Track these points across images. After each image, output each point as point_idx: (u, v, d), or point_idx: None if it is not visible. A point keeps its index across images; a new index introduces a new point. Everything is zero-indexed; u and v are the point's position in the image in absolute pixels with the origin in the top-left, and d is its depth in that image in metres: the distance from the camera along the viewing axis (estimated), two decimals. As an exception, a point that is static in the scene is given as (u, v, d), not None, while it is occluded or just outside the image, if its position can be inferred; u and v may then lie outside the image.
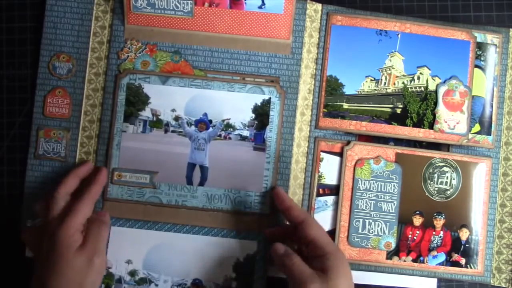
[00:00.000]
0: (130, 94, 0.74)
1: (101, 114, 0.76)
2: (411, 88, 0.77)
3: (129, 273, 0.73)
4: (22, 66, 0.78)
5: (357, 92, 0.77)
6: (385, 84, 0.77)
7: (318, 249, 0.66)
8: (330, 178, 0.76)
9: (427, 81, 0.77)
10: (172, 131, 0.74)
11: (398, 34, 0.77)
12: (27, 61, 0.78)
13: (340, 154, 0.76)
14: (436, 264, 0.75)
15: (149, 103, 0.74)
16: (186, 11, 0.75)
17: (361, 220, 0.75)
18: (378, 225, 0.75)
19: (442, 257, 0.76)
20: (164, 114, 0.74)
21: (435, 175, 0.76)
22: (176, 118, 0.74)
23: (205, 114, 0.74)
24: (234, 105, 0.74)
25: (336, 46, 0.77)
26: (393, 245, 0.75)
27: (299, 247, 0.70)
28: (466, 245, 0.76)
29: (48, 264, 0.65)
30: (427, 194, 0.76)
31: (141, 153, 0.74)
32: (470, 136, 0.77)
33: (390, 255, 0.75)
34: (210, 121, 0.74)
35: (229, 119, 0.74)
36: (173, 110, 0.74)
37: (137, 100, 0.74)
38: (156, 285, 0.73)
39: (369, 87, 0.77)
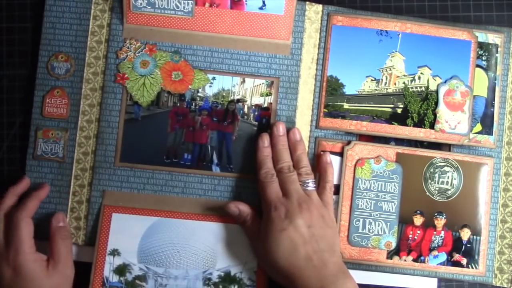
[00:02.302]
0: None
1: (99, 114, 0.78)
2: (412, 88, 0.80)
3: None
4: (22, 66, 0.81)
5: (357, 92, 0.80)
6: (385, 84, 0.80)
7: None
8: None
9: (428, 81, 0.80)
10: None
11: (399, 34, 0.80)
12: (27, 61, 0.80)
13: (341, 154, 0.79)
14: (437, 264, 0.78)
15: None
16: (186, 11, 0.77)
17: (361, 219, 0.78)
18: (379, 224, 0.78)
19: (443, 257, 0.78)
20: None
21: (436, 175, 0.78)
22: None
23: None
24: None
25: (337, 46, 0.80)
26: (394, 245, 0.77)
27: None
28: (468, 245, 0.78)
29: None
30: (428, 194, 0.78)
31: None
32: (471, 136, 0.79)
33: (390, 254, 0.78)
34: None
35: None
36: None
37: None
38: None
39: (369, 87, 0.80)
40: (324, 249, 0.70)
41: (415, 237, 0.78)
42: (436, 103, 0.80)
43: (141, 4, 0.77)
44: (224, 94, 0.79)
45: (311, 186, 0.75)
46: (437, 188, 0.79)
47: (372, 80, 0.80)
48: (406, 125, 0.79)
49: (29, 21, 0.81)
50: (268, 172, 0.75)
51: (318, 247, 0.70)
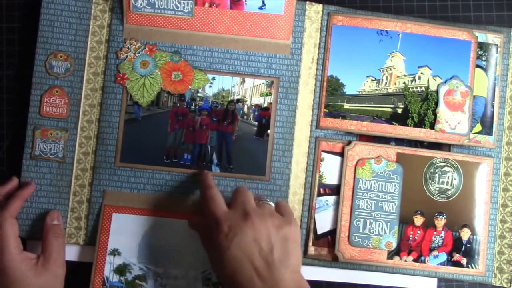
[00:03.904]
0: None
1: (99, 114, 0.80)
2: (412, 88, 0.81)
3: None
4: (22, 66, 0.82)
5: (358, 92, 0.81)
6: (386, 84, 0.81)
7: None
8: (331, 178, 0.80)
9: (428, 81, 0.81)
10: None
11: (399, 34, 0.81)
12: (27, 61, 0.81)
13: (341, 154, 0.80)
14: (437, 264, 0.79)
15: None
16: (186, 11, 0.79)
17: (362, 220, 0.79)
18: (379, 224, 0.79)
19: (443, 257, 0.80)
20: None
21: (436, 175, 0.80)
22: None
23: None
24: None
25: (337, 46, 0.81)
26: (394, 245, 0.79)
27: None
28: (468, 245, 0.80)
29: None
30: (428, 194, 0.80)
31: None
32: (471, 136, 0.81)
33: (391, 255, 0.79)
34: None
35: None
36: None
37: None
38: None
39: (370, 87, 0.81)
40: (276, 263, 0.65)
41: (416, 237, 0.80)
42: (436, 103, 0.81)
43: (141, 4, 0.78)
44: (224, 94, 0.81)
45: (268, 202, 0.73)
46: (437, 188, 0.81)
47: (372, 80, 0.82)
48: (407, 125, 0.81)
49: (29, 20, 0.82)
50: (209, 185, 0.74)
51: (267, 262, 0.65)
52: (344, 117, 0.81)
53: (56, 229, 0.76)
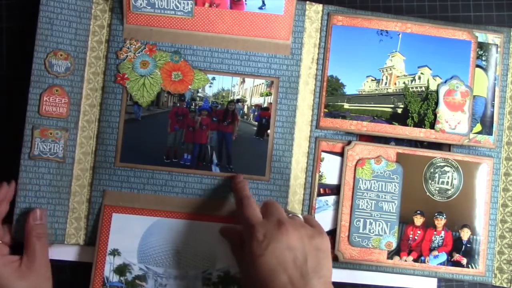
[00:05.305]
0: None
1: (99, 114, 0.80)
2: (412, 88, 0.82)
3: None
4: (22, 66, 0.82)
5: (358, 92, 0.82)
6: (386, 84, 0.82)
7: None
8: (331, 178, 0.81)
9: (428, 81, 0.82)
10: None
11: (399, 34, 0.82)
12: (27, 61, 0.80)
13: (341, 154, 0.81)
14: (437, 264, 0.80)
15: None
16: (186, 11, 0.79)
17: (362, 219, 0.80)
18: (379, 224, 0.80)
19: (443, 257, 0.80)
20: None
21: (436, 175, 0.81)
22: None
23: None
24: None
25: (337, 46, 0.82)
26: (394, 245, 0.80)
27: None
28: (468, 245, 0.80)
29: None
30: (428, 194, 0.81)
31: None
32: (471, 136, 0.82)
33: (391, 255, 0.80)
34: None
35: None
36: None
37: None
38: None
39: (370, 87, 0.82)
40: (308, 273, 0.65)
41: (416, 237, 0.80)
42: (436, 103, 0.82)
43: (141, 4, 0.79)
44: (224, 94, 0.81)
45: (297, 215, 0.73)
46: (437, 188, 0.81)
47: (372, 80, 0.82)
48: (407, 125, 0.82)
49: (29, 20, 0.82)
50: (246, 195, 0.75)
51: (301, 272, 0.65)
52: (344, 117, 0.82)
53: (38, 229, 0.76)
